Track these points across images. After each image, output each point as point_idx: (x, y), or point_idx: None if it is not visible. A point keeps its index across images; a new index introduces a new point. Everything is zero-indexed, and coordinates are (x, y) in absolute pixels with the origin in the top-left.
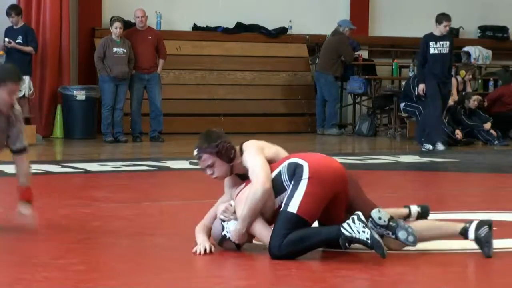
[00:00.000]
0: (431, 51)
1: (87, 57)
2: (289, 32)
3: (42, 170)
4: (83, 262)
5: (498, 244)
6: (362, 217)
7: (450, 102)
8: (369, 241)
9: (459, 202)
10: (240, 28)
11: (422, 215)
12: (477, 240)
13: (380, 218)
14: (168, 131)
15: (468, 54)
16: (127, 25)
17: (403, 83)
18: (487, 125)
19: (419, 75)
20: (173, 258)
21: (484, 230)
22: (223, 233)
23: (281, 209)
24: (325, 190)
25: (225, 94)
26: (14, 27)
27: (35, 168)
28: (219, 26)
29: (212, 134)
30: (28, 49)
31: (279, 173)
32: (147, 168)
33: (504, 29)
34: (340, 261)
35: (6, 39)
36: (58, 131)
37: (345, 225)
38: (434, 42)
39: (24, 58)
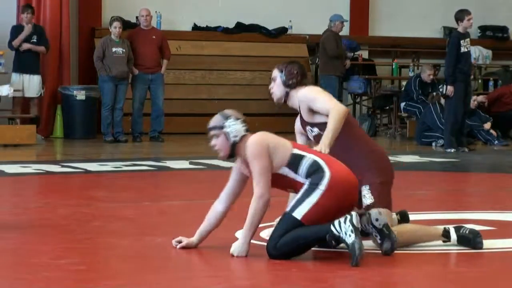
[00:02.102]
0: (462, 49)
1: (87, 57)
2: (289, 32)
3: (42, 170)
4: (83, 262)
5: (498, 244)
6: (355, 220)
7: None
8: (349, 247)
9: (459, 202)
10: (240, 28)
11: (403, 221)
12: (462, 238)
13: (377, 220)
14: (168, 131)
15: None
16: (128, 25)
17: (403, 83)
18: (487, 125)
19: (450, 76)
20: (173, 258)
21: (465, 230)
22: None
23: (287, 212)
24: (337, 204)
25: (225, 94)
26: (26, 25)
27: (35, 168)
28: (219, 26)
29: (293, 62)
30: (41, 49)
31: (302, 159)
32: (147, 168)
33: (504, 29)
34: (340, 261)
35: (28, 44)
36: (58, 131)
37: (336, 223)
38: (463, 40)
39: (35, 58)
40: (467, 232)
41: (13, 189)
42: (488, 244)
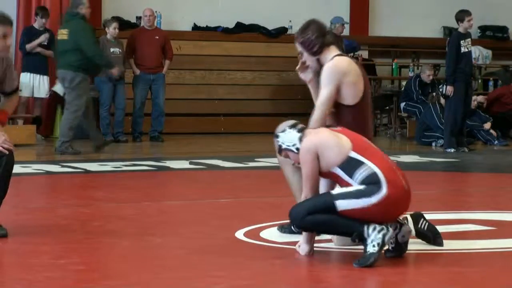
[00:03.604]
0: (462, 50)
1: None
2: (289, 32)
3: (42, 170)
4: (83, 262)
5: (498, 244)
6: (387, 238)
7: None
8: (366, 254)
9: (459, 202)
10: (240, 28)
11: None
12: (420, 234)
13: (403, 237)
14: (168, 131)
15: None
16: (127, 25)
17: (403, 83)
18: (487, 125)
19: (450, 76)
20: (173, 258)
21: (423, 223)
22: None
23: (332, 194)
24: (382, 216)
25: (225, 94)
26: (38, 28)
27: (35, 168)
28: (219, 26)
29: (308, 25)
30: (49, 52)
31: (359, 166)
32: (147, 168)
33: (504, 29)
34: (340, 261)
35: (38, 48)
36: (58, 131)
37: (370, 227)
38: (463, 41)
39: (44, 59)
40: (425, 228)
41: (13, 189)
42: (488, 244)
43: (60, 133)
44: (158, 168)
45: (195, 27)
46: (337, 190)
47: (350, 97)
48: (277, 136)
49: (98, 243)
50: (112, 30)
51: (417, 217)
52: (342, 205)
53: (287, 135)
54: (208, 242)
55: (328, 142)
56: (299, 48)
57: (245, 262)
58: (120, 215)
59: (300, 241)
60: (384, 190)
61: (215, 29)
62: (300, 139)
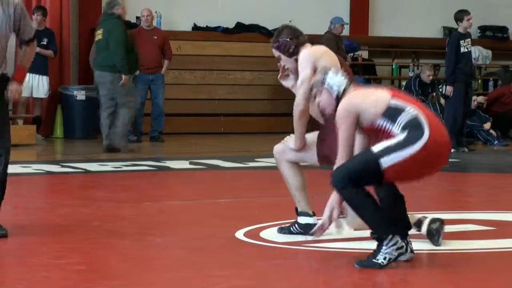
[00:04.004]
0: (461, 50)
1: (87, 57)
2: None
3: (42, 170)
4: (83, 262)
5: (498, 244)
6: (403, 257)
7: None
8: (374, 258)
9: (459, 202)
10: (240, 28)
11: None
12: (429, 232)
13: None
14: (168, 131)
15: None
16: (127, 25)
17: (403, 83)
18: (487, 125)
19: (450, 76)
20: (173, 258)
21: (436, 224)
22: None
23: (373, 152)
24: (426, 165)
25: (225, 94)
26: (37, 28)
27: (35, 168)
28: (219, 26)
29: (281, 30)
30: (48, 52)
31: (402, 112)
32: (147, 168)
33: (503, 29)
34: (340, 261)
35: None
36: (58, 131)
37: (394, 238)
38: (463, 41)
39: (43, 59)
40: (434, 227)
41: (13, 189)
42: (488, 244)
43: (119, 131)
44: (158, 168)
45: (195, 27)
46: (378, 146)
47: None
48: (326, 73)
49: (98, 243)
50: None
51: (434, 219)
52: (386, 161)
53: (338, 77)
54: (208, 242)
55: (367, 99)
56: (276, 53)
57: (245, 262)
58: (120, 215)
59: (330, 200)
60: (426, 133)
61: (215, 29)
62: (341, 94)
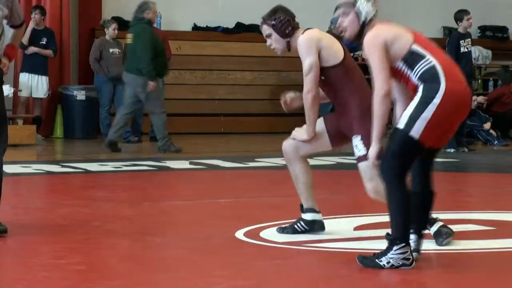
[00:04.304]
0: (461, 49)
1: (87, 57)
2: None
3: (42, 170)
4: (83, 262)
5: (498, 244)
6: (406, 267)
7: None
8: (376, 260)
9: (459, 202)
10: (240, 28)
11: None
12: (438, 232)
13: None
14: (168, 131)
15: None
16: (127, 25)
17: None
18: (487, 125)
19: None
20: (173, 258)
21: (447, 229)
22: None
23: (400, 129)
24: (450, 115)
25: (225, 94)
26: (37, 28)
27: (35, 168)
28: (219, 26)
29: (277, 10)
30: (48, 52)
31: (420, 60)
32: (147, 168)
33: (503, 29)
34: (340, 261)
35: (35, 48)
36: (58, 131)
37: (406, 247)
38: (463, 41)
39: (43, 59)
40: (445, 231)
41: (13, 189)
42: (488, 244)
43: (158, 133)
44: (158, 168)
45: (195, 27)
46: (401, 122)
47: (331, 57)
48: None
49: (98, 243)
50: (111, 31)
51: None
52: (415, 131)
53: (368, 6)
54: (208, 242)
55: (396, 32)
56: (267, 31)
57: (245, 262)
58: (120, 215)
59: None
60: (443, 84)
61: (215, 29)
62: (367, 22)
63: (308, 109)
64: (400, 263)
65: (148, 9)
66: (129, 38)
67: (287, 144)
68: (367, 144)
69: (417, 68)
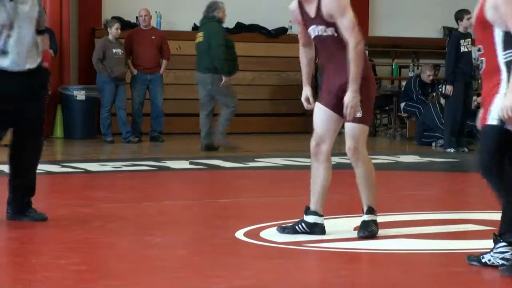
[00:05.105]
0: (462, 49)
1: (87, 57)
2: (289, 32)
3: (42, 170)
4: (83, 262)
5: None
6: (503, 268)
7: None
8: (491, 258)
9: (459, 202)
10: (240, 28)
11: None
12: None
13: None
14: (168, 131)
15: None
16: (127, 25)
17: (403, 83)
18: None
19: (450, 76)
20: (173, 258)
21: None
22: None
23: (492, 124)
24: None
25: None
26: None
27: None
28: None
29: None
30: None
31: None
32: (147, 168)
33: None
34: (340, 261)
35: None
36: (58, 131)
37: (506, 247)
38: (463, 40)
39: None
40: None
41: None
42: (488, 244)
43: (220, 127)
44: (158, 168)
45: (195, 27)
46: (491, 117)
47: None
48: None
49: (98, 243)
50: (114, 31)
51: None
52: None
53: None
54: (208, 242)
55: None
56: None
57: (245, 262)
58: (120, 215)
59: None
60: None
61: None
62: None
63: (360, 60)
64: (499, 263)
65: (218, 8)
66: (200, 36)
67: (324, 149)
68: (363, 107)
69: (507, 55)
